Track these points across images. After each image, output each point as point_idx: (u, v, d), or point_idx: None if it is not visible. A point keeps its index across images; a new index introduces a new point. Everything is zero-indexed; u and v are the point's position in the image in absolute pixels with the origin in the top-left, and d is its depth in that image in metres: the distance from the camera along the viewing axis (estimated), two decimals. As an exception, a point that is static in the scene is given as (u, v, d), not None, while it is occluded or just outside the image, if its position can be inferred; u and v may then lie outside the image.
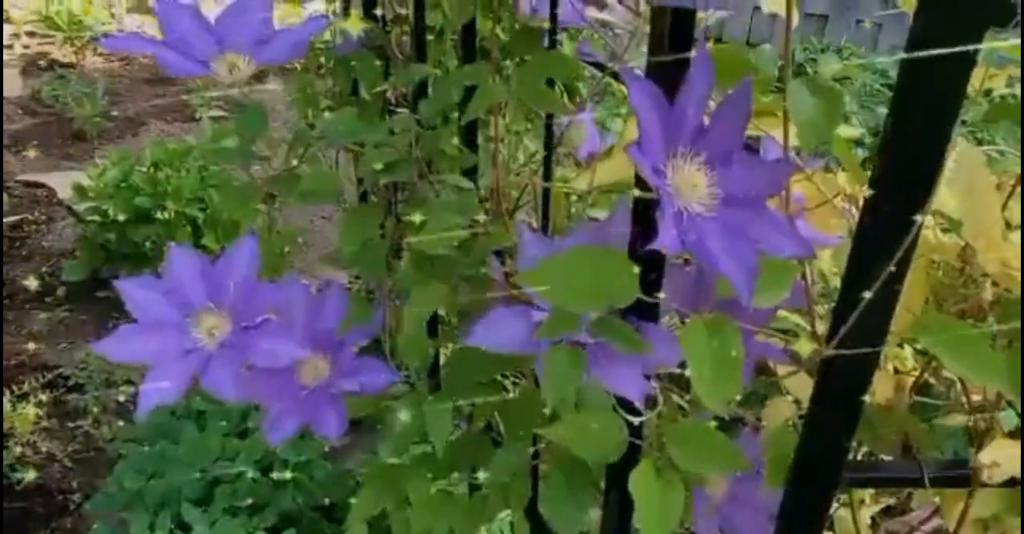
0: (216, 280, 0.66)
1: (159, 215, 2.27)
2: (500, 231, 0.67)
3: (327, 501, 1.63)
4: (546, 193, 0.71)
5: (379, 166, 0.65)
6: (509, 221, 0.66)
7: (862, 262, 0.44)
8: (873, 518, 0.84)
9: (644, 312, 0.52)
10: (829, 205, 0.61)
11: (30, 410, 1.97)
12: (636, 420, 0.60)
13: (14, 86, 3.73)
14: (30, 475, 1.81)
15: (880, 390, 0.57)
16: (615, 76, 0.69)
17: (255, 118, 0.79)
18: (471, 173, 0.76)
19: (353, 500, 1.46)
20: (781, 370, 0.68)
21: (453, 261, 0.66)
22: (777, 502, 0.83)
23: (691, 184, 0.44)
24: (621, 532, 0.68)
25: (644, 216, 0.49)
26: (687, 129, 0.44)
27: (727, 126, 0.45)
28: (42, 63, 4.05)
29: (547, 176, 0.72)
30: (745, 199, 0.45)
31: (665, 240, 0.40)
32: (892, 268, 0.43)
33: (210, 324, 0.64)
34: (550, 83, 0.65)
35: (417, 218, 0.64)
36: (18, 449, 1.90)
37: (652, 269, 0.47)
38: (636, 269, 0.45)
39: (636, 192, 0.47)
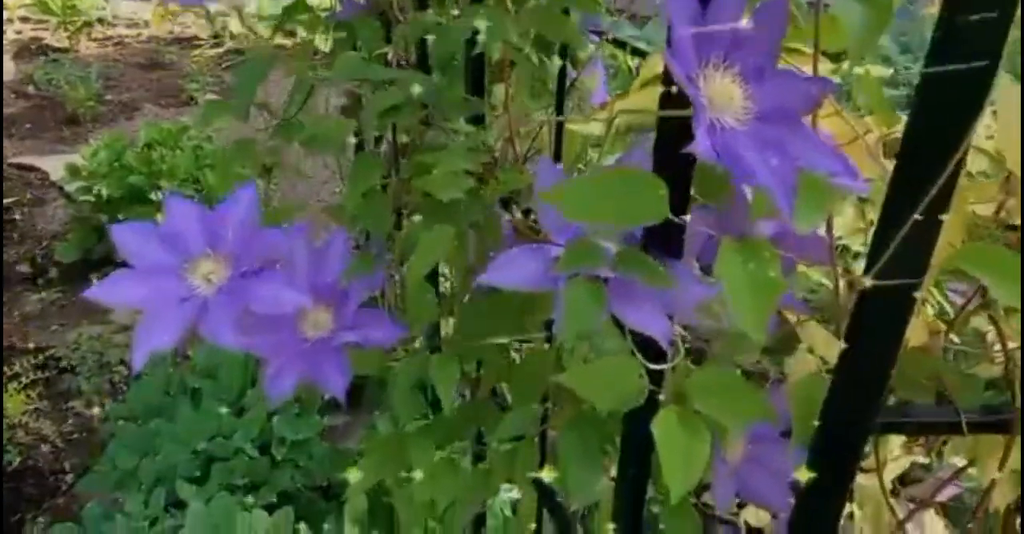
0: (215, 227, 0.63)
1: (153, 195, 2.24)
2: (511, 177, 0.64)
3: (325, 481, 1.60)
4: (559, 135, 0.68)
5: (386, 106, 0.62)
6: (521, 166, 0.63)
7: (904, 187, 0.41)
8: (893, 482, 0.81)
9: (669, 246, 0.49)
10: (859, 148, 0.58)
11: (21, 392, 1.93)
12: (657, 367, 0.58)
13: (7, 70, 3.69)
14: (21, 456, 1.78)
15: (915, 335, 0.55)
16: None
17: (254, 72, 0.76)
18: (478, 122, 0.73)
19: (352, 475, 1.45)
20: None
21: (462, 207, 0.63)
22: (796, 465, 0.80)
23: (726, 96, 0.41)
24: (637, 490, 0.65)
25: (668, 143, 0.46)
26: (721, 39, 0.41)
27: (762, 39, 0.42)
28: (35, 48, 4.01)
29: (559, 110, 0.69)
30: (780, 115, 0.42)
31: (701, 146, 0.37)
32: (934, 192, 0.40)
33: (208, 270, 0.61)
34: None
35: (426, 159, 0.61)
36: (9, 431, 1.87)
37: (678, 188, 0.44)
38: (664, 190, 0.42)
39: (664, 112, 0.44)
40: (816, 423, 0.55)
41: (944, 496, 0.80)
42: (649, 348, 0.56)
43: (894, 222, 0.41)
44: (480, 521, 1.24)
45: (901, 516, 0.80)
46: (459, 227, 0.64)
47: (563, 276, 0.51)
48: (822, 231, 0.49)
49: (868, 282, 0.43)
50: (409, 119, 0.67)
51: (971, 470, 0.68)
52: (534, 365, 0.78)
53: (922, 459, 0.74)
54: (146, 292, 0.60)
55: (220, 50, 3.84)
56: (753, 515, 0.93)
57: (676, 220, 0.43)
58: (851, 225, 0.67)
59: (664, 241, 0.49)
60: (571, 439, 0.65)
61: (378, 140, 0.98)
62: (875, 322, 0.46)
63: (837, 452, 0.53)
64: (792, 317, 0.66)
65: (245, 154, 0.86)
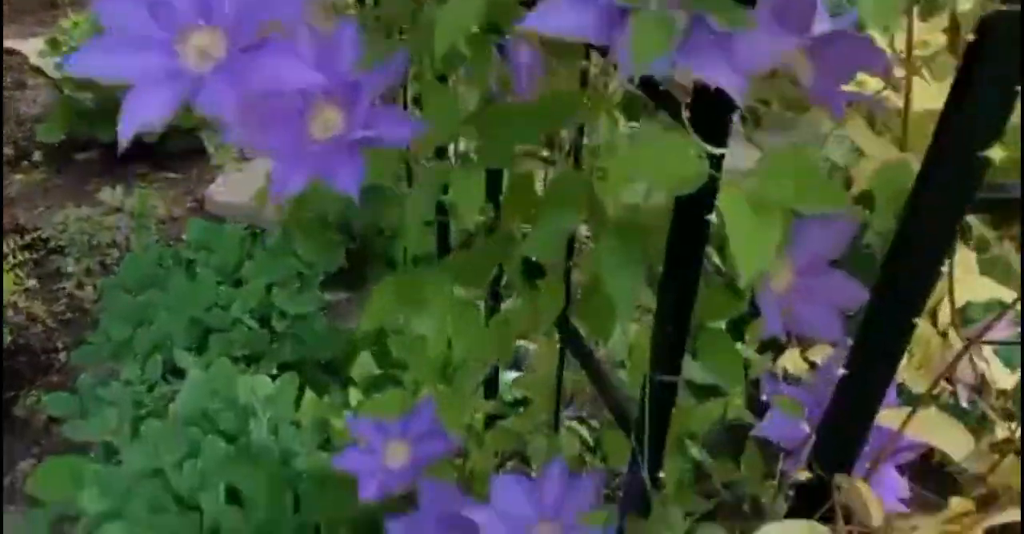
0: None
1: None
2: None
3: (328, 357, 1.55)
4: None
5: None
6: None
7: None
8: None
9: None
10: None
11: (10, 272, 1.87)
12: (718, 150, 0.51)
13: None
14: (12, 336, 1.72)
15: None
16: None
17: None
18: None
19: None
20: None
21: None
22: (847, 296, 0.74)
23: None
24: (682, 300, 0.59)
25: None
26: None
27: None
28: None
29: None
30: None
31: None
32: None
33: (203, 43, 0.53)
34: None
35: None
36: (-1, 311, 1.81)
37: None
38: None
39: None
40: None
41: (998, 335, 0.75)
42: (710, 128, 0.50)
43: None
44: (490, 388, 1.20)
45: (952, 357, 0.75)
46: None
47: (621, 23, 0.43)
48: None
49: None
50: None
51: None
52: (565, 185, 0.71)
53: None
54: (134, 64, 0.52)
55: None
56: (791, 362, 0.88)
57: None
58: None
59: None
60: (611, 247, 0.59)
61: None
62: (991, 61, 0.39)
63: (925, 241, 0.47)
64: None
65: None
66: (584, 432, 1.04)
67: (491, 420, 1.11)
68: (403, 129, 0.61)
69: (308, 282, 1.55)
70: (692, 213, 0.53)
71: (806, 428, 0.81)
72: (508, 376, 1.31)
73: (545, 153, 0.78)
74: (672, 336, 0.63)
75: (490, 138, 0.64)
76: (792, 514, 0.65)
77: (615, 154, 0.59)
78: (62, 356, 1.72)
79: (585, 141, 0.81)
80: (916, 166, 0.47)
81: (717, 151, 0.50)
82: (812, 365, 0.89)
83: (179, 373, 1.31)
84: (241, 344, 1.41)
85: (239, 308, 1.41)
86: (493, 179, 0.89)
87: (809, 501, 0.64)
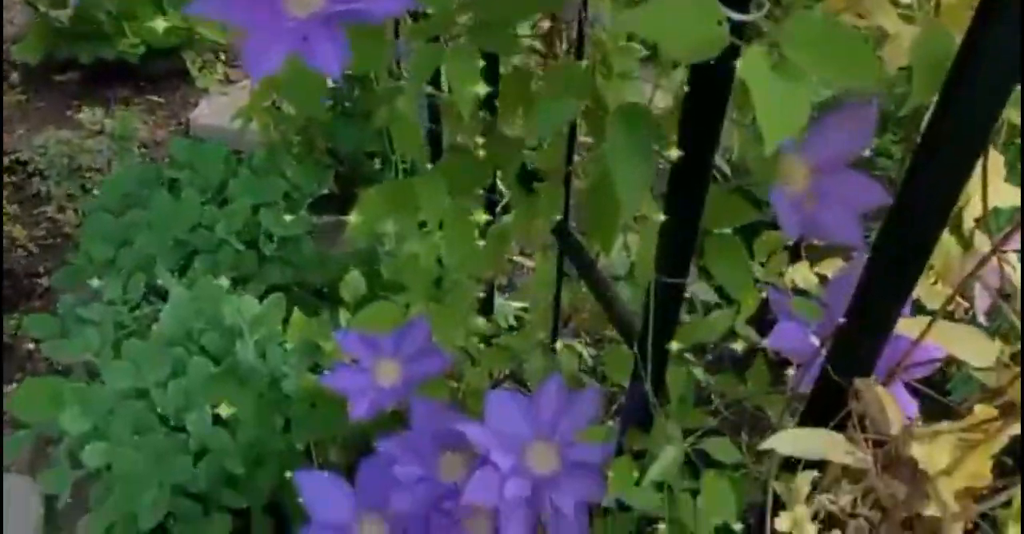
0: None
1: (116, -11, 2.03)
2: None
3: (318, 284, 1.51)
4: None
5: None
6: None
7: None
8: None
9: None
10: None
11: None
12: (740, 16, 0.46)
13: None
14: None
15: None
16: None
17: None
18: None
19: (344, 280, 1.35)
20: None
21: None
22: (867, 198, 0.69)
23: None
24: (698, 178, 0.55)
25: None
26: None
27: None
28: None
29: None
30: None
31: None
32: None
33: None
34: None
35: None
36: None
37: None
38: None
39: None
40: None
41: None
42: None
43: None
44: (486, 312, 1.16)
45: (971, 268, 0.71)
46: None
47: None
48: None
49: None
50: None
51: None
52: (566, 73, 0.65)
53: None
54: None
55: None
56: (801, 275, 0.84)
57: None
58: None
59: None
60: (619, 133, 0.54)
61: None
62: None
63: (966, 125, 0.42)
64: None
65: None
66: (583, 350, 1.01)
67: (486, 344, 1.07)
68: (388, 2, 0.55)
69: (296, 204, 1.49)
70: (709, 87, 0.49)
71: (815, 341, 0.77)
72: (505, 305, 1.27)
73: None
74: (680, 234, 0.59)
75: (486, 9, 0.58)
76: (803, 425, 0.62)
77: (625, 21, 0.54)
78: (44, 281, 1.67)
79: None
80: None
81: (741, 17, 0.45)
82: (822, 279, 0.85)
83: (163, 295, 1.27)
84: (228, 266, 1.36)
85: (224, 229, 1.36)
86: (490, 78, 0.83)
87: (822, 411, 0.61)
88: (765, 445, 0.55)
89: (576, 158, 0.82)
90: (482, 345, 1.05)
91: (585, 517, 0.79)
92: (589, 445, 0.78)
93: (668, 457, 0.68)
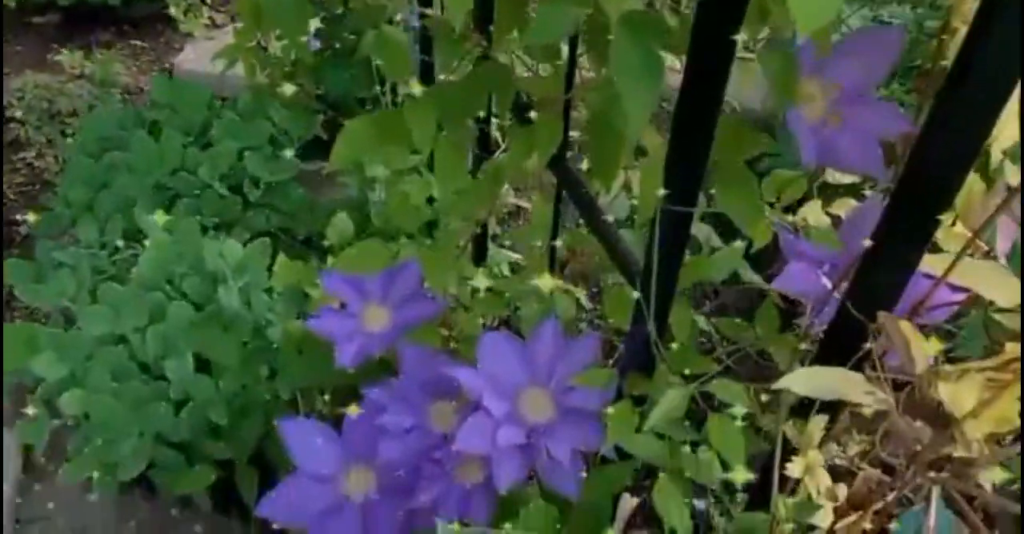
0: None
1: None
2: None
3: (305, 233, 1.46)
4: None
5: None
6: None
7: None
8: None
9: None
10: None
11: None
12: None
13: None
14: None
15: None
16: None
17: None
18: None
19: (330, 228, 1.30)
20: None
21: None
22: (888, 125, 0.65)
23: None
24: (710, 96, 0.50)
25: None
26: None
27: None
28: None
29: None
30: None
31: None
32: None
33: None
34: None
35: None
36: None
37: None
38: None
39: None
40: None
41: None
42: None
43: None
44: (479, 259, 1.11)
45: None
46: None
47: None
48: None
49: None
50: None
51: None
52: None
53: None
54: None
55: None
56: (813, 215, 0.80)
57: None
58: None
59: None
60: (624, 43, 0.49)
61: None
62: None
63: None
64: None
65: None
66: (580, 295, 0.97)
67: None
68: None
69: (282, 148, 1.44)
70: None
71: (827, 282, 0.74)
72: (499, 253, 1.23)
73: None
74: (690, 157, 0.54)
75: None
76: (818, 363, 0.58)
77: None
78: (23, 229, 1.62)
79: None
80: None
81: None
82: (835, 220, 0.81)
83: (142, 240, 1.22)
84: (211, 211, 1.31)
85: (208, 172, 1.31)
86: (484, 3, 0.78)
87: (838, 350, 0.57)
88: (778, 385, 0.51)
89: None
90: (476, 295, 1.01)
91: (580, 466, 0.76)
92: (586, 391, 0.74)
93: (671, 401, 0.64)
